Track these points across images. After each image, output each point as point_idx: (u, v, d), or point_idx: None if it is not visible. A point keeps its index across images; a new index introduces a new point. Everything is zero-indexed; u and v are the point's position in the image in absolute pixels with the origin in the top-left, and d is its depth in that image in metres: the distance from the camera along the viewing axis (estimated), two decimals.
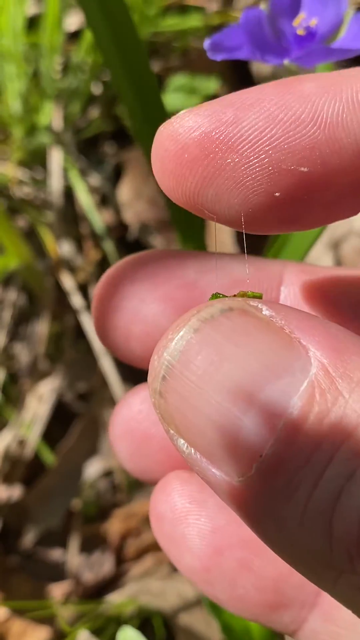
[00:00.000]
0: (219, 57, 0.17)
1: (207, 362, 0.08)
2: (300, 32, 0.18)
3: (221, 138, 0.09)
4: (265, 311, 0.08)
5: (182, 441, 0.09)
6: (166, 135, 0.09)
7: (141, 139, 0.18)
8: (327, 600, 0.14)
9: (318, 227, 0.14)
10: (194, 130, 0.09)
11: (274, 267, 0.14)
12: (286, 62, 0.18)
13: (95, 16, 0.14)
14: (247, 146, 0.09)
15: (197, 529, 0.14)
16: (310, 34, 0.19)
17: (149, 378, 0.09)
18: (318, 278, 0.13)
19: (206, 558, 0.14)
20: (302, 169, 0.09)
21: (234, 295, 0.09)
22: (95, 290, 0.13)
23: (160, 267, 0.13)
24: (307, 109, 0.08)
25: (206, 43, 0.17)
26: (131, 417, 0.14)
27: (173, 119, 0.09)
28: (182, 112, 0.09)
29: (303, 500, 0.07)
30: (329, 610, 0.13)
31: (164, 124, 0.09)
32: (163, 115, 0.16)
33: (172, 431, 0.09)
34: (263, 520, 0.08)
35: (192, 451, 0.08)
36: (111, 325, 0.12)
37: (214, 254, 0.14)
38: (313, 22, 0.19)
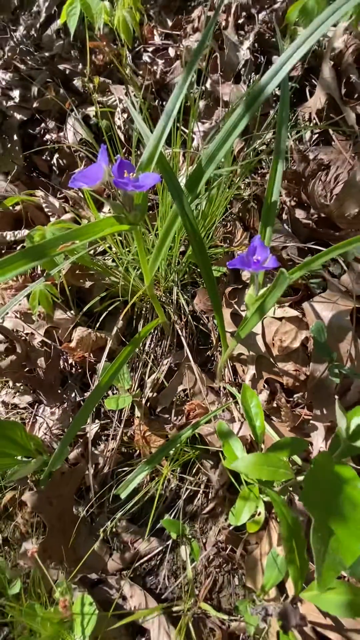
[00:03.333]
0: (231, 266, 0.48)
1: None
2: (255, 259, 0.49)
3: None
4: None
5: None
6: None
7: (206, 282, 0.80)
8: None
9: None
10: None
11: None
12: (250, 270, 0.51)
13: (195, 244, 0.75)
14: None
15: None
16: (258, 261, 0.48)
17: None
18: None
19: None
20: None
21: None
22: None
23: None
24: None
25: (229, 263, 0.52)
26: None
27: None
28: None
29: None
30: None
31: None
32: (211, 277, 0.79)
33: None
34: None
35: None
36: None
37: None
38: (258, 257, 0.49)
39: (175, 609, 0.72)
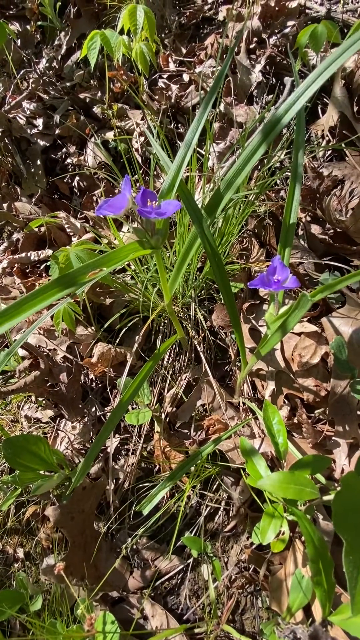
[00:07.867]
0: (252, 286, 0.48)
1: None
2: (276, 279, 0.48)
3: None
4: None
5: None
6: None
7: (225, 300, 0.82)
8: None
9: None
10: None
11: None
12: (271, 290, 0.51)
13: (214, 263, 0.79)
14: None
15: None
16: (279, 280, 0.47)
17: None
18: None
19: None
20: None
21: None
22: None
23: None
24: None
25: (249, 283, 0.50)
26: None
27: None
28: None
29: None
30: None
31: None
32: (230, 294, 0.80)
33: None
34: None
35: None
36: None
37: None
38: (278, 277, 0.48)
39: (197, 630, 0.70)
